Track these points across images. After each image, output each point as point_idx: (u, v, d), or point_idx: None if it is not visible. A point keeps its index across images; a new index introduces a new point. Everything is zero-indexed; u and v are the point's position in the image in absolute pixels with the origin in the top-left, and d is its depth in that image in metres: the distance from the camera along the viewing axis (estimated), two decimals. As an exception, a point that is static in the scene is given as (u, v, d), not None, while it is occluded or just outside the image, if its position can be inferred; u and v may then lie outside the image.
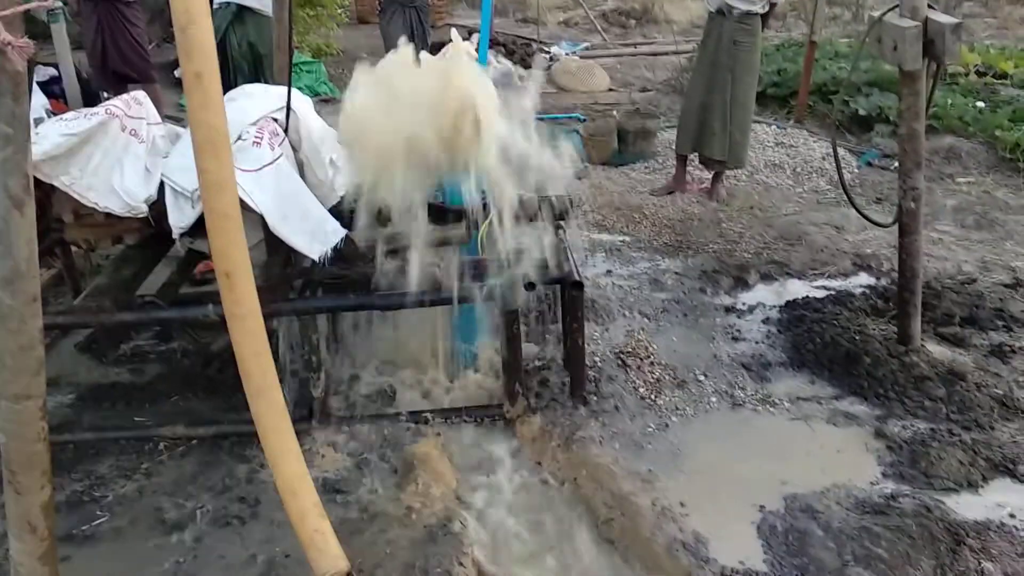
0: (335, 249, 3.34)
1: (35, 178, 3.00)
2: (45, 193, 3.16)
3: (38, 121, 3.36)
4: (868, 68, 8.06)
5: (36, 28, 4.88)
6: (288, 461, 2.08)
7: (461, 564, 2.79)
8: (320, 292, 3.43)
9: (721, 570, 2.73)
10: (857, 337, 3.97)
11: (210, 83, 1.87)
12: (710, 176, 6.53)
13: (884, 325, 4.13)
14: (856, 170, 6.92)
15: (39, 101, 4.48)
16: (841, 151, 6.93)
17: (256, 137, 3.32)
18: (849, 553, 2.75)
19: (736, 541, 2.86)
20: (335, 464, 3.31)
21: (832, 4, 12.94)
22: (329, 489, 3.16)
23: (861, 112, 7.70)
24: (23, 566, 2.11)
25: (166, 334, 4.22)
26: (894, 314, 4.09)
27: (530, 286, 3.30)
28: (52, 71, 6.10)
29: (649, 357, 3.97)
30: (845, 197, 4.43)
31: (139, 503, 3.12)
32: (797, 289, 4.80)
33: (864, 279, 4.94)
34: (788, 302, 4.55)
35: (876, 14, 3.70)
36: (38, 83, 5.56)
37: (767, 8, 5.92)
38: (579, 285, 3.42)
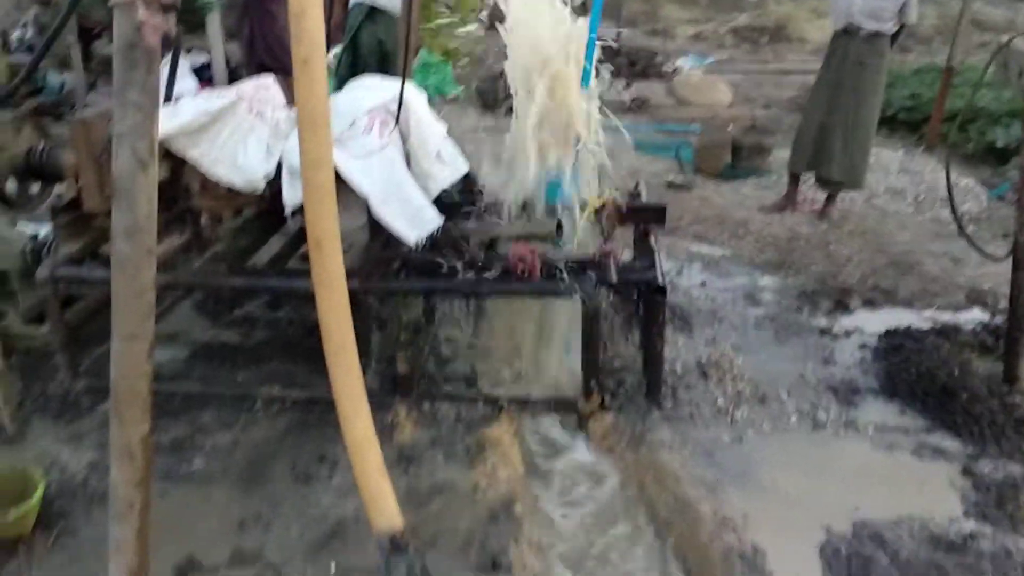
0: (432, 236, 3.52)
1: (168, 150, 3.36)
2: (178, 164, 3.49)
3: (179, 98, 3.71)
4: (1010, 98, 7.59)
5: (195, 19, 5.35)
6: (358, 422, 2.23)
7: (517, 545, 2.89)
8: (414, 275, 3.60)
9: (774, 585, 2.70)
10: (957, 371, 3.79)
11: (316, 68, 2.05)
12: (823, 197, 6.34)
13: (990, 363, 3.93)
14: (985, 203, 6.54)
15: (190, 84, 4.91)
16: (971, 182, 6.63)
17: (367, 124, 3.55)
18: (913, 586, 2.67)
19: (795, 559, 2.82)
20: (412, 437, 3.48)
21: (982, 29, 12.23)
22: (402, 460, 3.33)
23: (998, 143, 7.27)
24: (120, 490, 2.36)
25: (274, 303, 4.53)
26: (1002, 352, 3.88)
27: (611, 286, 3.36)
28: (205, 58, 6.65)
29: (732, 370, 3.94)
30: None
31: (232, 453, 3.39)
32: (901, 318, 4.61)
33: (976, 315, 4.69)
34: (888, 331, 4.39)
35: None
36: (191, 68, 6.09)
37: (896, 28, 5.71)
38: (662, 290, 3.45)
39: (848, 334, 4.45)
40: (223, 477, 3.25)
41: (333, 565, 2.81)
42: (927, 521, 2.99)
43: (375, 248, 3.64)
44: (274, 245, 4.06)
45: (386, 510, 2.23)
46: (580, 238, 3.69)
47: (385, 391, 3.74)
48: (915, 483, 3.25)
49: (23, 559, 2.79)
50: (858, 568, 2.76)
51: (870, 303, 4.85)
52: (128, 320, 2.26)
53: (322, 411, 3.64)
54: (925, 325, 4.44)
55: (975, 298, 4.90)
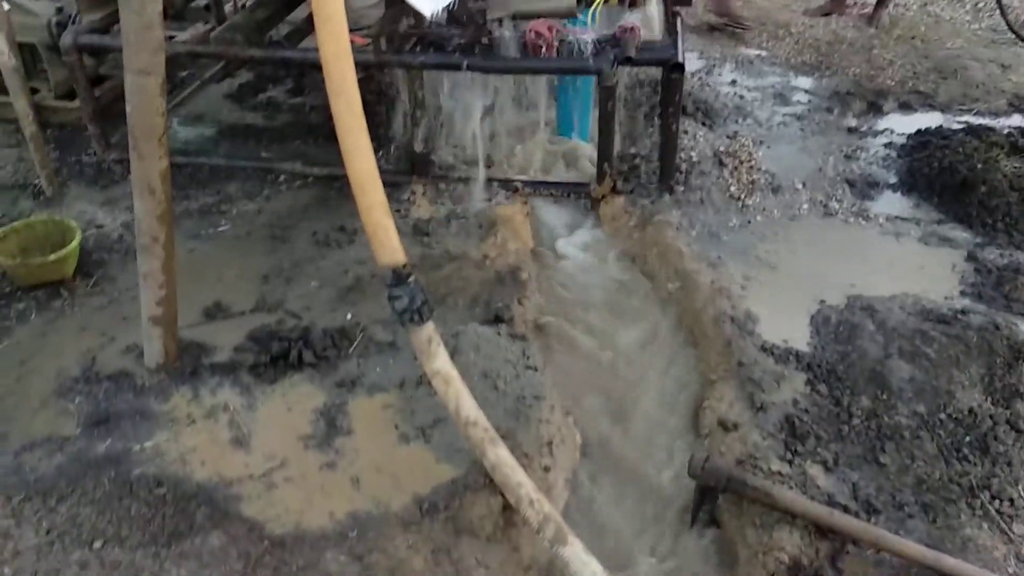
0: (448, 9, 3.45)
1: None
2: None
3: None
4: None
5: None
6: (359, 158, 2.31)
7: (520, 304, 3.05)
8: (429, 50, 3.57)
9: (762, 343, 2.84)
10: (980, 166, 3.72)
11: None
12: (874, 1, 5.98)
13: (1018, 161, 3.83)
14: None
15: None
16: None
17: None
18: (895, 348, 2.78)
19: (786, 324, 2.94)
20: (427, 213, 3.61)
21: None
22: (418, 232, 3.47)
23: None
24: (143, 223, 2.53)
25: (297, 90, 4.57)
26: (1033, 152, 3.78)
27: (627, 61, 3.31)
28: None
29: (750, 160, 3.91)
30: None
31: (256, 219, 3.56)
32: (934, 120, 4.47)
33: (1016, 120, 4.53)
34: (918, 130, 4.27)
35: None
36: None
37: None
38: (679, 67, 3.39)
39: (876, 134, 4.36)
40: (248, 239, 3.43)
41: (349, 314, 3.00)
42: (921, 298, 3.06)
43: (389, 20, 3.59)
44: (292, 20, 4.02)
45: (388, 244, 2.35)
46: (600, 16, 3.58)
47: (402, 171, 3.83)
48: (916, 267, 3.29)
49: (67, 298, 3.04)
50: (845, 333, 2.87)
51: (905, 106, 4.70)
52: (139, 55, 2.32)
53: (341, 187, 3.76)
54: (958, 127, 4.31)
55: (1018, 105, 4.70)
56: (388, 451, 2.50)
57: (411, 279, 2.31)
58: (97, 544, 2.14)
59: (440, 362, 2.45)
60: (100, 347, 2.82)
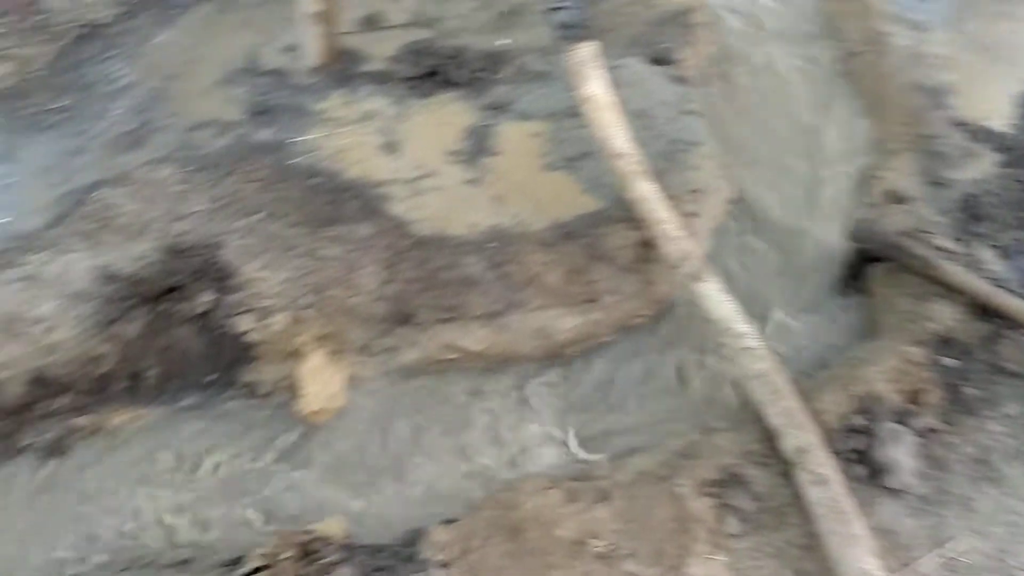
0: None
1: None
2: None
3: None
4: None
5: None
6: None
7: (687, 47, 2.83)
8: None
9: (953, 118, 2.54)
10: None
11: None
12: None
13: None
14: None
15: None
16: None
17: None
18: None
19: (985, 101, 2.60)
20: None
21: None
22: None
23: None
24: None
25: None
26: None
27: None
28: None
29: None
30: None
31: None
32: None
33: None
34: None
35: None
36: None
37: None
38: None
39: None
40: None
41: (505, 39, 2.88)
42: None
43: None
44: None
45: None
46: None
47: None
48: None
49: (232, -6, 3.05)
50: (1056, 116, 2.53)
51: None
52: None
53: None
54: None
55: None
56: (532, 176, 2.48)
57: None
58: (257, 216, 2.28)
59: (595, 87, 2.33)
60: (261, 43, 2.85)
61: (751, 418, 1.92)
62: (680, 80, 2.71)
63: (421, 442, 2.04)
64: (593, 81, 2.27)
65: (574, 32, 2.21)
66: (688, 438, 1.93)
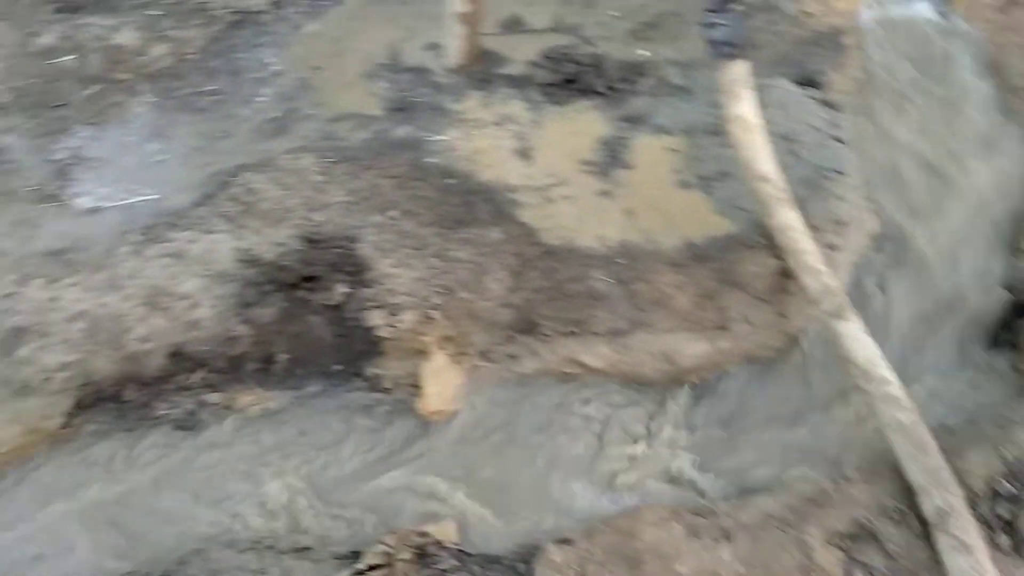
0: None
1: None
2: None
3: None
4: None
5: None
6: None
7: (838, 71, 2.71)
8: None
9: None
10: None
11: None
12: None
13: None
14: None
15: None
16: None
17: None
18: None
19: None
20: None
21: None
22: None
23: None
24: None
25: None
26: None
27: None
28: None
29: None
30: None
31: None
32: None
33: None
34: None
35: None
36: None
37: None
38: None
39: None
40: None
41: (644, 51, 2.83)
42: None
43: None
44: None
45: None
46: None
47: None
48: None
49: (378, -11, 3.10)
50: None
51: None
52: None
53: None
54: None
55: None
56: (666, 192, 2.42)
57: (736, 7, 2.08)
58: (392, 213, 2.31)
59: (745, 107, 2.25)
60: (404, 39, 2.88)
61: (889, 471, 1.82)
62: (828, 104, 2.60)
63: (534, 454, 2.03)
64: (744, 101, 2.19)
65: (729, 50, 2.13)
66: (818, 484, 1.84)
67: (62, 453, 2.02)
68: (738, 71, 2.23)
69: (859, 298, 2.30)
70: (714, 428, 2.05)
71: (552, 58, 2.80)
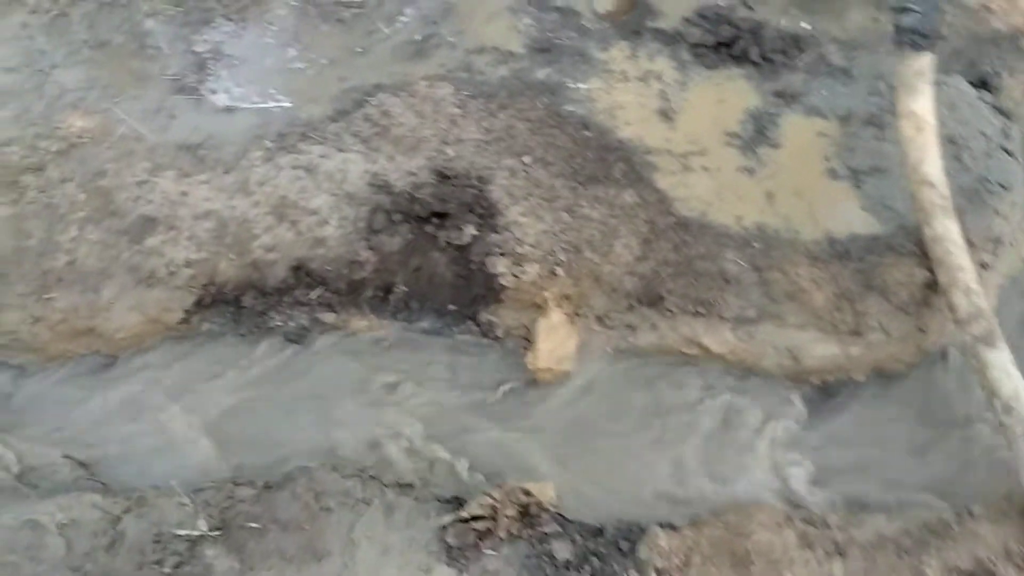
0: None
1: None
2: None
3: None
4: None
5: None
6: None
7: (1011, 74, 2.51)
8: None
9: None
10: None
11: None
12: None
13: None
14: None
15: None
16: None
17: None
18: None
19: None
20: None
21: None
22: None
23: None
24: None
25: None
26: None
27: None
28: None
29: None
30: None
31: None
32: None
33: None
34: None
35: None
36: None
37: None
38: None
39: None
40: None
41: (807, 23, 2.66)
42: None
43: None
44: None
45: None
46: None
47: None
48: None
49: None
50: None
51: None
52: None
53: None
54: None
55: None
56: (812, 179, 2.29)
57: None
58: (526, 159, 2.23)
59: (921, 104, 2.10)
60: (554, -24, 2.75)
61: (1018, 513, 1.72)
62: (1001, 111, 2.41)
63: (643, 430, 1.97)
64: (922, 97, 2.03)
65: (917, 39, 1.97)
66: (940, 514, 1.75)
67: (176, 347, 2.05)
68: (922, 64, 2.07)
69: (1001, 323, 2.17)
70: (832, 435, 1.96)
71: (707, 18, 2.64)
